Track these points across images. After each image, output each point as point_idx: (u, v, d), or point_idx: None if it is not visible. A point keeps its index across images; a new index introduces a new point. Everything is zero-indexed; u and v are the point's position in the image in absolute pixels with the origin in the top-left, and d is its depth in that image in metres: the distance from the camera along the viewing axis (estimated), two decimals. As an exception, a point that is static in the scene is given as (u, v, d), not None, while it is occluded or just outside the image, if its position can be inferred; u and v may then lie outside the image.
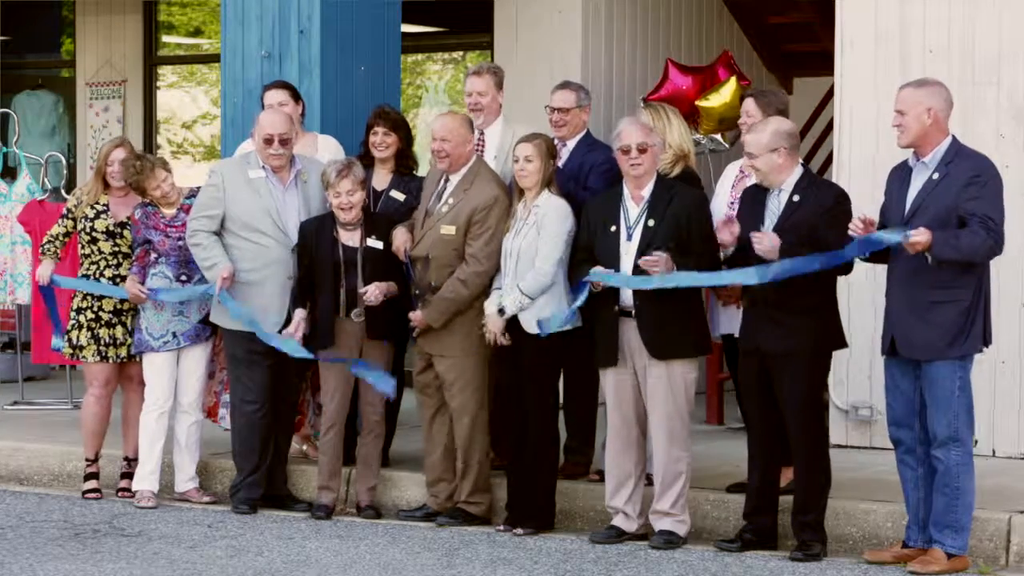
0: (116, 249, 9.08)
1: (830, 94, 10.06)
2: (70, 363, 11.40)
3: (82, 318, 9.15)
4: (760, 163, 7.59)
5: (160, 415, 9.02)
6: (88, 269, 9.12)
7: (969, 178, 7.13)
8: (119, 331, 9.16)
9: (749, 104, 8.53)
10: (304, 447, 9.32)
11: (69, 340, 9.23)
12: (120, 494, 9.30)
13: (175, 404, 9.09)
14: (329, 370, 8.72)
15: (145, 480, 9.03)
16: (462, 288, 8.26)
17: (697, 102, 11.12)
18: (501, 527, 8.27)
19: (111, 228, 9.08)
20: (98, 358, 9.13)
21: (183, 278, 9.00)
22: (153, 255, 8.98)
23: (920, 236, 6.87)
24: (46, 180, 11.90)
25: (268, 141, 8.72)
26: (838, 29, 9.72)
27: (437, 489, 8.52)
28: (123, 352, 9.17)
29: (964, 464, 7.23)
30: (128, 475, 9.33)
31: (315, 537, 8.17)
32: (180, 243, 8.92)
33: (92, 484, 9.28)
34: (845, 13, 9.69)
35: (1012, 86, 9.26)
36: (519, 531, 8.15)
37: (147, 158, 9.37)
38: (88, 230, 9.07)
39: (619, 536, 7.89)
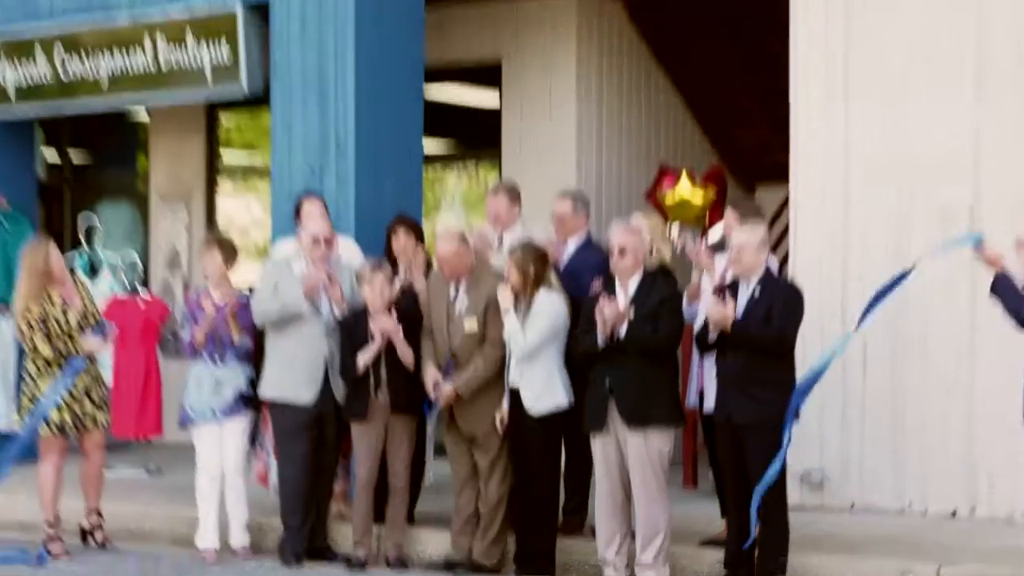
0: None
1: (785, 203, 10.12)
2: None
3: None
4: (746, 260, 7.60)
5: (211, 479, 8.99)
6: None
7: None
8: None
9: (729, 212, 8.52)
10: (340, 507, 9.26)
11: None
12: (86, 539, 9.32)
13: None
14: (360, 441, 8.67)
15: (207, 539, 9.00)
16: (487, 365, 8.28)
17: (662, 194, 11.18)
18: (510, 576, 8.29)
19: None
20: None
21: (215, 358, 8.96)
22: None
23: None
24: (124, 278, 11.87)
25: (315, 241, 8.74)
26: (793, 152, 9.69)
27: (459, 542, 8.47)
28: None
29: None
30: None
31: (349, 586, 8.19)
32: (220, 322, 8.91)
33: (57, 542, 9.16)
34: (799, 133, 9.65)
35: (943, 196, 9.21)
36: (524, 579, 8.16)
37: (209, 237, 9.49)
38: None
39: (608, 586, 7.90)
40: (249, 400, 9.00)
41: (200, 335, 8.91)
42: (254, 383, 8.98)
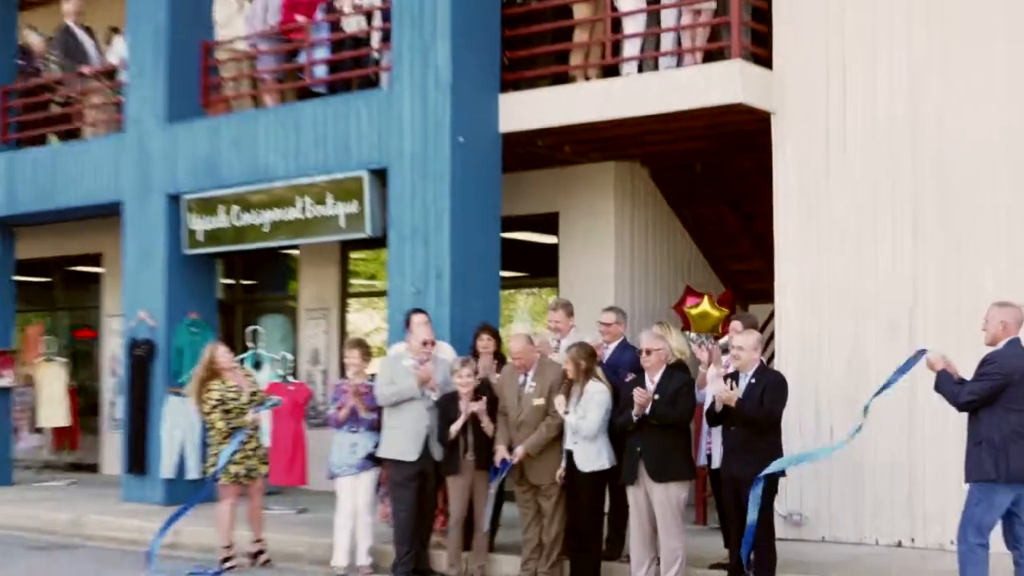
0: None
1: (772, 316, 10.16)
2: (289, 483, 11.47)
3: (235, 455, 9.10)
4: (744, 357, 7.66)
5: (347, 517, 8.91)
6: None
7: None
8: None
9: (735, 322, 8.55)
10: (439, 539, 9.18)
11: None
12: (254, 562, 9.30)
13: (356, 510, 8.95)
14: (453, 489, 8.59)
15: (339, 560, 8.94)
16: (548, 431, 8.26)
17: (686, 309, 11.16)
18: (566, 592, 8.22)
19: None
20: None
21: (352, 428, 8.91)
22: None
23: None
24: (279, 370, 11.96)
25: (424, 343, 8.82)
26: (777, 281, 9.66)
27: (528, 565, 8.42)
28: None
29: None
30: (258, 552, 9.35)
31: (446, 597, 8.18)
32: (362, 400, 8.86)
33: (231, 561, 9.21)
34: (781, 266, 9.63)
35: (889, 311, 9.15)
36: (577, 594, 8.12)
37: (352, 341, 9.51)
38: None
39: (639, 598, 7.85)
40: (375, 458, 8.97)
41: (342, 413, 8.95)
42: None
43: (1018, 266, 8.71)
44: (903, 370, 7.24)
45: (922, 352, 7.08)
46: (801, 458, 7.59)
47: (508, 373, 8.62)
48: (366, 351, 9.26)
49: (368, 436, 8.98)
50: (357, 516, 8.98)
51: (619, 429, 8.01)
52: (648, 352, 7.88)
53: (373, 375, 9.12)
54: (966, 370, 6.99)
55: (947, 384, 6.89)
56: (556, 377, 8.37)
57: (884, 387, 7.37)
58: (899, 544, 9.00)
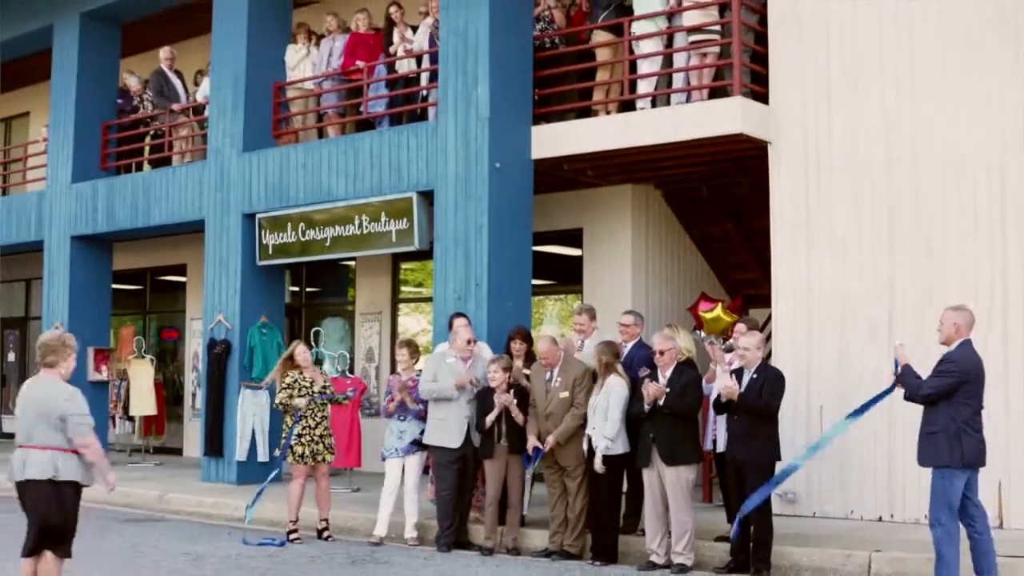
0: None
1: (769, 318, 10.10)
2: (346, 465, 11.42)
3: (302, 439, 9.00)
4: (749, 356, 7.66)
5: (389, 494, 8.96)
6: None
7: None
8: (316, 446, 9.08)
9: (740, 325, 8.54)
10: (477, 515, 9.16)
11: (292, 451, 8.98)
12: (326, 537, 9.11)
13: (403, 487, 8.96)
14: (490, 472, 8.56)
15: (380, 530, 8.98)
16: (573, 420, 8.25)
17: (700, 312, 11.10)
18: (588, 561, 8.20)
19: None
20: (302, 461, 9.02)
21: (400, 417, 8.96)
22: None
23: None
24: (338, 367, 11.98)
25: (467, 341, 8.84)
26: (773, 287, 9.66)
27: (555, 538, 8.43)
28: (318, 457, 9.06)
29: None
30: (323, 530, 9.16)
31: (482, 565, 8.15)
32: (410, 395, 8.84)
33: (295, 533, 9.09)
34: (777, 275, 9.60)
35: (870, 315, 9.09)
36: (597, 563, 8.07)
37: (402, 341, 9.46)
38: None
39: (653, 567, 7.78)
40: (420, 444, 9.00)
41: (392, 405, 9.00)
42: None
43: (982, 274, 8.68)
44: (876, 400, 7.19)
45: (891, 389, 7.04)
46: (789, 469, 7.52)
47: (536, 371, 8.63)
48: (415, 350, 9.27)
49: (415, 424, 8.99)
50: (406, 494, 8.99)
51: (634, 418, 7.99)
52: (661, 352, 7.91)
53: (420, 371, 9.14)
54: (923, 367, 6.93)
55: (910, 378, 6.87)
56: (579, 373, 8.37)
57: (857, 413, 7.33)
58: (880, 519, 8.98)
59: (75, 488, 5.95)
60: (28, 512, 5.98)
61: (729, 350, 8.45)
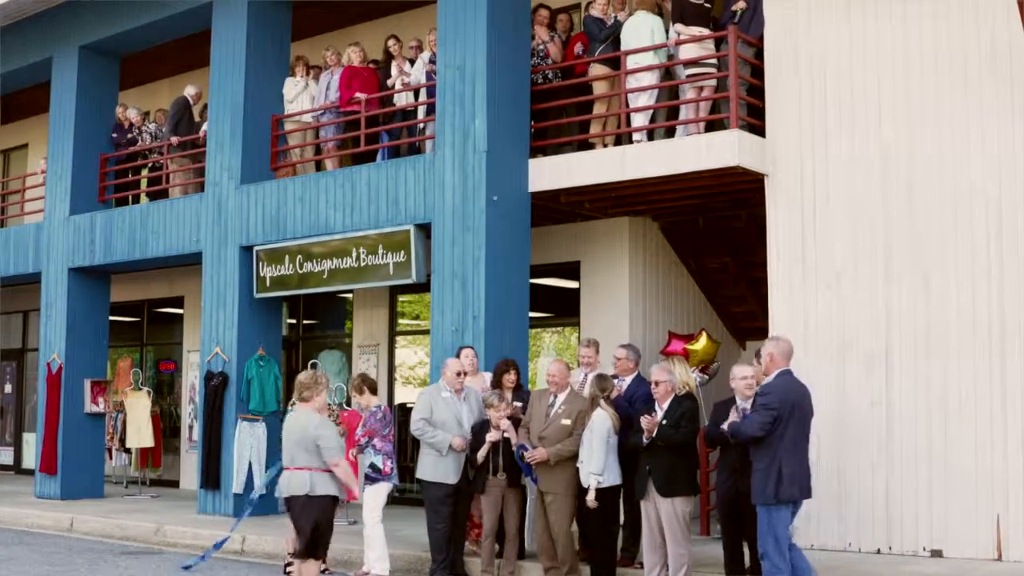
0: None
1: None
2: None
3: None
4: (744, 391, 7.72)
5: (374, 524, 8.80)
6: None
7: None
8: None
9: (754, 355, 8.44)
10: (473, 547, 9.14)
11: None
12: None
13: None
14: (487, 505, 8.50)
15: (375, 565, 8.80)
16: (573, 445, 8.17)
17: (686, 346, 10.94)
18: (584, 595, 8.16)
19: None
20: None
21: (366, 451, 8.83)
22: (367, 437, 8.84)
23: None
24: (335, 399, 11.93)
25: (458, 373, 8.75)
26: (770, 320, 9.64)
27: (550, 573, 8.31)
28: None
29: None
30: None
31: (480, 599, 8.11)
32: (380, 431, 8.75)
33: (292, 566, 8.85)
34: (774, 308, 9.61)
35: (867, 346, 9.13)
36: (594, 596, 8.03)
37: (357, 378, 9.24)
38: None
39: (650, 599, 7.77)
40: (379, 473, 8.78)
41: (362, 440, 8.87)
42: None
43: (979, 307, 8.71)
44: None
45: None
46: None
47: (539, 394, 8.57)
48: (373, 387, 9.09)
49: (371, 452, 8.86)
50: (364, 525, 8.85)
51: (631, 450, 7.98)
52: (656, 384, 7.91)
53: (379, 405, 9.02)
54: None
55: (735, 426, 6.85)
56: (584, 407, 8.33)
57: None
58: (878, 551, 8.96)
59: (331, 501, 7.11)
60: (293, 521, 7.19)
61: (714, 374, 8.37)
